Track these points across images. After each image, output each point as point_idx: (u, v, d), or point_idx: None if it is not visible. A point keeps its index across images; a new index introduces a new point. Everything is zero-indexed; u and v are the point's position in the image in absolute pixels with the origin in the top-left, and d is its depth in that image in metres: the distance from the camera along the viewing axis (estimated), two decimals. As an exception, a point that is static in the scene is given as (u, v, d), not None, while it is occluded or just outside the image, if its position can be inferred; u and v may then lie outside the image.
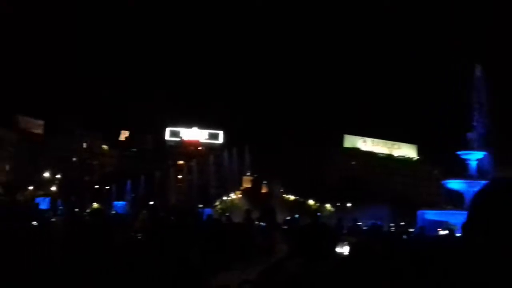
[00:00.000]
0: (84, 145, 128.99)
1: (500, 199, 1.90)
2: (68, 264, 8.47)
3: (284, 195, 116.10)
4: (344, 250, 7.66)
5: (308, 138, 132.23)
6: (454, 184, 41.62)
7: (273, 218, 13.95)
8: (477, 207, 1.94)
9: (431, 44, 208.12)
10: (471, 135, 40.60)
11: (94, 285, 7.96)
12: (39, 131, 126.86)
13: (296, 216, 35.59)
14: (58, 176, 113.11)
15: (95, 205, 75.52)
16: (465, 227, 1.97)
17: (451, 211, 37.46)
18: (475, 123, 40.97)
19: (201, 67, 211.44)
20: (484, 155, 40.56)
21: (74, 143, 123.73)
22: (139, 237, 14.35)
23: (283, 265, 4.26)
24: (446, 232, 23.06)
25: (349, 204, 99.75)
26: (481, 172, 40.20)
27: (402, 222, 53.61)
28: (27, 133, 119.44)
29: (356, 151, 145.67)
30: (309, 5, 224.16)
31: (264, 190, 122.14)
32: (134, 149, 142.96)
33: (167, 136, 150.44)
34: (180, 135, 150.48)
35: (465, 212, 2.03)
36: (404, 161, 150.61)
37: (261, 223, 14.39)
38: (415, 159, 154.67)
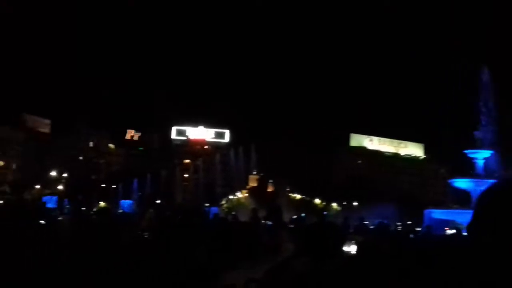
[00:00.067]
0: (91, 144, 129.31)
1: (506, 198, 1.89)
2: (75, 263, 8.49)
3: (290, 194, 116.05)
4: (351, 249, 7.65)
5: (315, 137, 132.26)
6: (461, 183, 41.49)
7: (280, 217, 13.94)
8: (483, 206, 1.93)
9: (438, 42, 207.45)
10: (478, 134, 40.47)
11: (100, 284, 7.98)
12: (46, 130, 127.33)
13: (303, 215, 35.58)
14: (65, 175, 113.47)
15: (101, 204, 75.73)
16: (470, 226, 1.96)
17: (458, 210, 37.38)
18: (482, 122, 40.85)
19: (208, 66, 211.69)
20: (491, 154, 40.41)
21: (80, 142, 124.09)
22: (146, 236, 14.37)
23: (289, 264, 4.25)
24: (453, 231, 23.00)
25: (355, 203, 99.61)
26: (488, 171, 40.05)
27: (409, 221, 53.48)
28: (34, 132, 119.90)
29: (362, 150, 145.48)
30: (312, 5, 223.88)
31: (270, 189, 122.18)
32: (141, 148, 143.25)
33: (173, 135, 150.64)
34: (186, 134, 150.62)
35: (472, 211, 2.02)
36: (411, 160, 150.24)
37: (267, 222, 14.39)
38: (421, 158, 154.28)
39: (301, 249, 4.37)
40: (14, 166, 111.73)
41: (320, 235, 4.27)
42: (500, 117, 41.16)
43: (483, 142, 40.57)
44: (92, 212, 28.97)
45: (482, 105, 41.17)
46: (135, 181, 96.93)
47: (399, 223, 44.91)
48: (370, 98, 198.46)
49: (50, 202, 41.60)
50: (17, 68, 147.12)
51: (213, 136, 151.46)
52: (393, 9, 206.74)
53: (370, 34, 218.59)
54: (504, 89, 43.45)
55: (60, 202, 46.53)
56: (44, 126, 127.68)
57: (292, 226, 18.50)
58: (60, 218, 21.68)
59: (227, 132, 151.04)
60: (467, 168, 41.52)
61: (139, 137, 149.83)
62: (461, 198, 41.78)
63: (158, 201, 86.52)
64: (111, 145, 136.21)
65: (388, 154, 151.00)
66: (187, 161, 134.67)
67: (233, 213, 33.24)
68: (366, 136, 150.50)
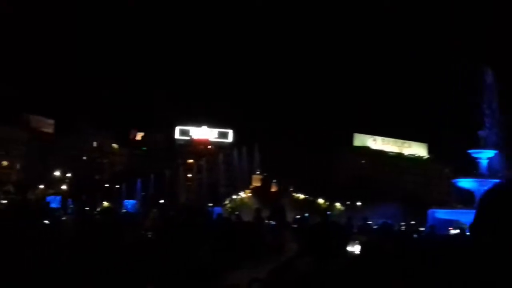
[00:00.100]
0: (94, 144, 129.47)
1: (508, 199, 1.89)
2: (79, 263, 8.51)
3: (293, 194, 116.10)
4: (355, 249, 7.64)
5: (318, 136, 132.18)
6: (465, 183, 41.39)
7: (283, 217, 13.95)
8: (485, 206, 1.93)
9: (440, 42, 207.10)
10: (482, 133, 40.36)
11: (104, 283, 7.99)
12: (49, 130, 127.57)
13: (306, 215, 35.54)
14: (68, 175, 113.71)
15: (105, 204, 75.87)
16: (472, 226, 1.97)
17: (461, 210, 37.28)
18: (486, 124, 40.73)
19: (211, 66, 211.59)
20: (495, 153, 40.32)
21: (84, 142, 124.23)
22: (149, 236, 14.40)
23: (293, 264, 4.25)
24: (457, 231, 22.97)
25: (359, 203, 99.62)
26: (492, 170, 39.95)
27: (413, 221, 53.38)
28: (38, 132, 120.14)
29: (366, 149, 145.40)
30: (313, 5, 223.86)
31: (273, 189, 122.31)
32: (144, 148, 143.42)
33: (177, 135, 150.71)
34: (190, 134, 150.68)
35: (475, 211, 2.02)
36: (415, 160, 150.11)
37: (271, 222, 14.39)
38: (425, 157, 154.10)
39: (305, 249, 4.37)
40: (18, 166, 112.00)
41: (324, 235, 4.27)
42: (504, 117, 41.03)
43: (487, 142, 40.48)
44: (95, 212, 29.02)
45: (486, 107, 41.04)
46: (139, 181, 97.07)
47: (402, 223, 44.84)
48: (373, 98, 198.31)
49: (54, 202, 41.67)
50: (19, 68, 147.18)
51: (217, 136, 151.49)
52: (396, 9, 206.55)
53: (374, 34, 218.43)
54: (506, 88, 43.28)
55: (63, 202, 46.62)
56: (48, 126, 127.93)
57: (295, 226, 18.49)
58: (64, 218, 21.72)
59: (230, 132, 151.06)
60: (471, 168, 41.41)
61: (142, 137, 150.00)
62: (465, 198, 41.66)
63: (162, 201, 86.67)
64: (115, 145, 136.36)
65: (391, 154, 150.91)
66: (191, 161, 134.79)
67: (237, 213, 33.25)
68: (369, 136, 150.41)
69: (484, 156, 40.57)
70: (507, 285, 1.82)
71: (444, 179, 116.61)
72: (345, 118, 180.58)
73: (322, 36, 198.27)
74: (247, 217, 22.94)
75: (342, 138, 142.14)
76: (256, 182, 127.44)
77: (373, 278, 4.13)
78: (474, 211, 1.97)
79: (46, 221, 17.01)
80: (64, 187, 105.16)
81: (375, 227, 24.51)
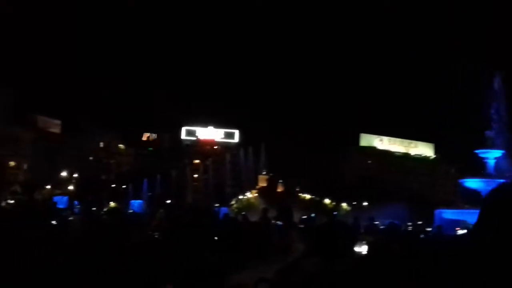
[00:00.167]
0: (101, 144, 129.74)
1: (510, 199, 1.88)
2: (85, 263, 8.52)
3: (300, 194, 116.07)
4: (363, 249, 7.63)
5: (325, 137, 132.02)
6: (472, 183, 41.23)
7: (290, 217, 13.97)
8: (488, 206, 1.93)
9: (449, 42, 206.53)
10: (489, 133, 40.20)
11: (109, 283, 8.00)
12: (56, 130, 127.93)
13: (313, 215, 35.54)
14: (75, 175, 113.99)
15: (112, 204, 76.01)
16: (475, 226, 1.96)
17: (468, 210, 37.13)
18: (493, 125, 40.56)
19: (217, 67, 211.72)
20: (503, 153, 40.16)
21: (91, 143, 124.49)
22: (156, 236, 14.41)
23: (299, 264, 4.24)
24: (464, 231, 22.88)
25: (365, 203, 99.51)
26: (499, 171, 39.79)
27: (419, 221, 53.27)
28: (45, 132, 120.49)
29: (372, 149, 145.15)
30: (318, 4, 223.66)
31: (280, 189, 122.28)
32: (151, 148, 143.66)
33: (183, 135, 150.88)
34: (196, 134, 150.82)
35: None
36: (421, 160, 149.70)
37: (277, 222, 14.41)
38: (432, 157, 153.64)
39: (311, 249, 4.36)
40: (25, 166, 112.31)
41: (331, 235, 4.26)
42: (509, 117, 40.85)
43: (494, 142, 40.32)
44: (102, 212, 29.10)
45: (494, 112, 40.84)
46: (145, 181, 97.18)
47: (409, 223, 44.76)
48: (380, 97, 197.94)
49: (61, 202, 41.72)
50: (26, 69, 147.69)
51: (223, 136, 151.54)
52: (406, 8, 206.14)
53: (381, 34, 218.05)
54: (508, 89, 43.00)
55: (70, 202, 46.67)
56: (55, 126, 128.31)
57: (302, 226, 18.50)
58: (70, 218, 21.77)
59: (236, 132, 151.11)
60: (478, 168, 41.25)
61: (147, 137, 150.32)
62: (471, 198, 41.48)
63: (168, 201, 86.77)
64: (121, 146, 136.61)
65: (398, 154, 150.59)
66: (197, 161, 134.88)
67: (243, 213, 33.25)
68: (376, 136, 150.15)
69: (491, 156, 40.41)
70: (509, 284, 1.82)
71: (450, 179, 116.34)
72: (352, 118, 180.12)
73: (329, 37, 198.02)
74: (253, 217, 22.95)
75: (349, 138, 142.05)
76: (262, 182, 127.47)
77: (380, 278, 4.12)
78: (480, 211, 1.96)
79: (54, 221, 17.07)
80: (71, 187, 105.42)
81: (381, 227, 24.45)
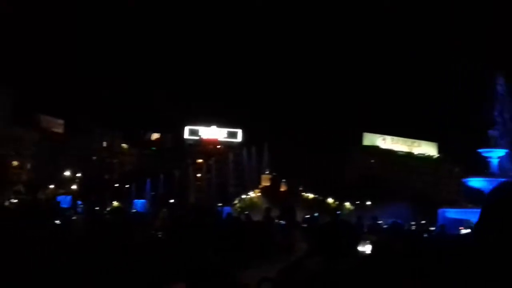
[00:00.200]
0: (104, 144, 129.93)
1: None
2: (88, 263, 8.53)
3: (303, 194, 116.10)
4: (366, 248, 7.62)
5: (328, 136, 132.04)
6: (475, 182, 41.20)
7: (293, 216, 13.96)
8: (490, 205, 1.92)
9: (451, 41, 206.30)
10: (493, 132, 40.16)
11: (112, 283, 8.01)
12: (59, 130, 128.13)
13: (316, 214, 35.49)
14: (78, 174, 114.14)
15: (115, 203, 76.04)
16: (477, 225, 1.96)
17: (472, 209, 37.10)
18: (496, 121, 40.54)
19: (219, 66, 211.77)
20: (506, 152, 40.12)
21: (94, 142, 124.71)
22: (159, 236, 14.42)
23: (303, 264, 4.24)
24: (468, 230, 22.85)
25: (368, 203, 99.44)
26: (502, 170, 39.76)
27: (423, 220, 53.27)
28: (48, 132, 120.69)
29: (375, 149, 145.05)
30: (320, 4, 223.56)
31: (283, 189, 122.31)
32: (154, 148, 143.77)
33: (186, 135, 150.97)
34: (199, 134, 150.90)
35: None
36: (424, 159, 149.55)
37: (280, 221, 14.40)
38: (435, 157, 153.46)
39: (315, 249, 4.35)
40: (28, 166, 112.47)
41: (334, 234, 4.25)
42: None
43: (498, 141, 40.28)
44: (105, 212, 29.13)
45: (497, 115, 40.81)
46: (148, 181, 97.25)
47: (413, 223, 44.74)
48: (383, 97, 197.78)
49: (64, 202, 41.73)
50: (29, 69, 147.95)
51: (226, 135, 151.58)
52: (405, 8, 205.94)
53: (384, 33, 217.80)
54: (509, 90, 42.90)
55: (74, 202, 46.68)
56: (58, 126, 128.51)
57: (305, 225, 18.47)
58: (74, 218, 21.80)
59: (239, 132, 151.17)
60: (481, 167, 41.23)
61: (156, 138, 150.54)
62: (475, 197, 41.45)
63: (172, 201, 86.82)
64: (124, 145, 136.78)
65: (401, 153, 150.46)
66: (200, 160, 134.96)
67: (246, 212, 33.24)
68: (379, 135, 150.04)
69: (495, 155, 40.38)
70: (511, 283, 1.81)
71: (454, 178, 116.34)
72: (355, 117, 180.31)
73: (332, 36, 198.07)
74: (256, 216, 22.95)
75: (352, 138, 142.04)
76: (265, 182, 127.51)
77: (384, 278, 4.11)
78: (484, 210, 1.96)
79: (57, 221, 17.09)
80: (74, 187, 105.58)
81: (385, 226, 24.41)
